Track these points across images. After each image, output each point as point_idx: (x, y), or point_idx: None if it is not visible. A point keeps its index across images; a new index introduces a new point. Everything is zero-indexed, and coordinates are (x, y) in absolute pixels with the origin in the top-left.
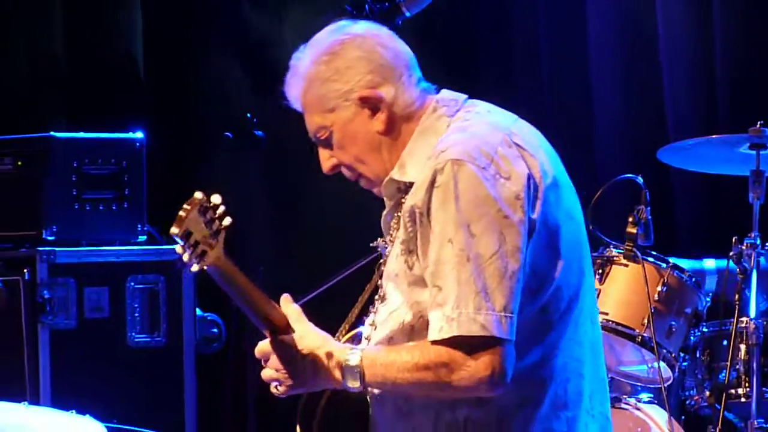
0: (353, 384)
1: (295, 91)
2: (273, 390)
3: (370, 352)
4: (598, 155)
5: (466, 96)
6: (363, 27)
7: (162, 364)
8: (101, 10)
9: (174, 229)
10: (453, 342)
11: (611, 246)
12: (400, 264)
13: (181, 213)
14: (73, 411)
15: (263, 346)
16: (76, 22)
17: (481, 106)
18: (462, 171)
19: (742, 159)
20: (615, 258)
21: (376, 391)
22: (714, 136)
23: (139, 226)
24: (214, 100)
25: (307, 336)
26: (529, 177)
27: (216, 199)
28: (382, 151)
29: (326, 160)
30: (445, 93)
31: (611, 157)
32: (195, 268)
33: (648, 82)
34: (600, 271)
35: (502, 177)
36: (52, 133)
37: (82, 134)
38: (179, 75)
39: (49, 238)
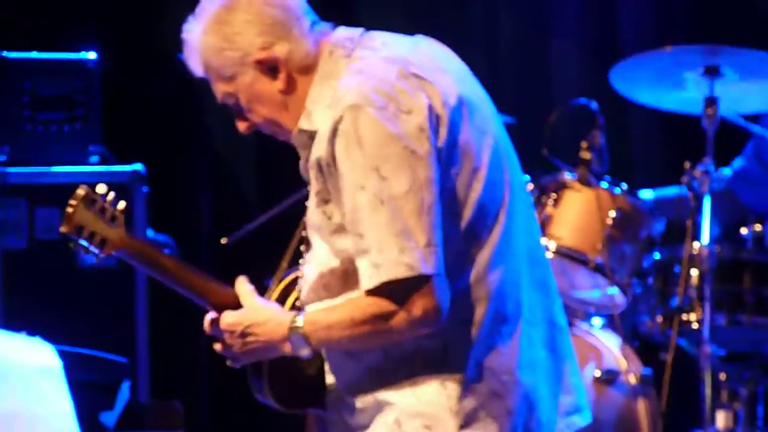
0: (303, 352)
1: (194, 63)
2: (228, 363)
3: (310, 317)
4: (554, 80)
5: (362, 30)
6: None
7: (113, 284)
8: None
9: (63, 228)
10: (383, 289)
11: (565, 171)
12: (319, 215)
13: (68, 210)
14: (24, 332)
15: (206, 322)
16: None
17: (377, 40)
18: (361, 115)
19: (696, 84)
20: (568, 183)
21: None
22: (668, 49)
23: (91, 147)
24: (168, 21)
25: (255, 312)
26: (429, 107)
27: (101, 188)
28: (290, 108)
29: (241, 123)
30: (340, 32)
31: (567, 82)
32: (99, 257)
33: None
34: (554, 196)
35: (403, 112)
36: (3, 53)
37: (34, 54)
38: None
39: (1, 159)
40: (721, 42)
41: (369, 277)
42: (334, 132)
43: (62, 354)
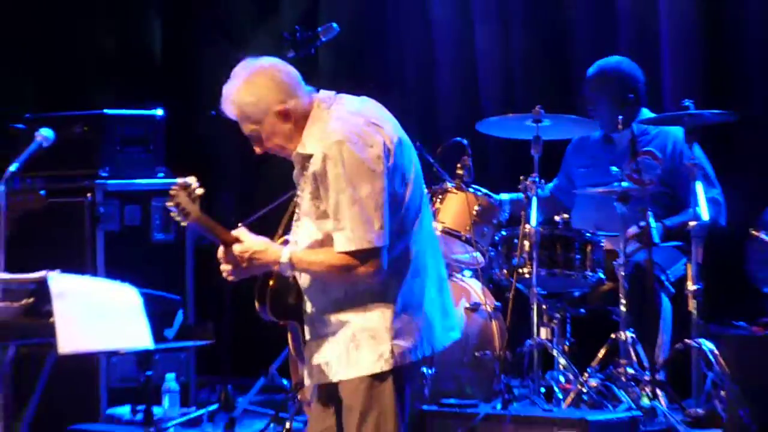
0: (287, 272)
1: (229, 109)
2: (227, 277)
3: (297, 252)
4: (439, 123)
5: (335, 93)
6: (267, 61)
7: (172, 253)
8: (129, 24)
9: (168, 203)
10: (351, 253)
11: (447, 181)
12: (310, 206)
13: (171, 192)
14: (119, 281)
15: (220, 252)
16: (115, 31)
17: (346, 99)
18: (343, 147)
19: (528, 128)
20: (449, 189)
21: (302, 279)
22: (510, 115)
23: (158, 168)
24: (208, 88)
25: (253, 241)
26: (384, 143)
27: (191, 179)
28: (293, 139)
29: (258, 148)
30: (322, 93)
31: (448, 126)
32: (183, 223)
33: (468, 77)
34: (441, 196)
35: (368, 146)
36: (105, 110)
37: (123, 111)
38: (186, 71)
39: (103, 174)
40: (542, 106)
41: (343, 245)
42: (325, 156)
43: (142, 294)
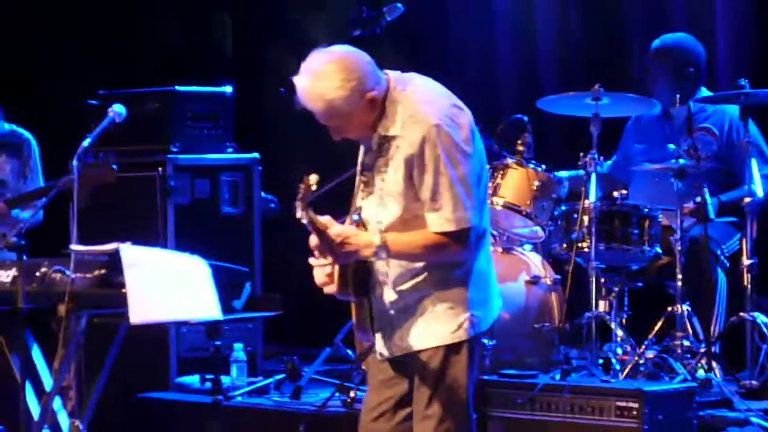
0: (382, 255)
1: (316, 108)
2: (325, 286)
3: (390, 235)
4: (500, 101)
5: (400, 72)
6: (342, 51)
7: (241, 225)
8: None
9: (299, 213)
10: (447, 233)
11: (508, 157)
12: (399, 187)
13: (300, 197)
14: (188, 252)
15: (313, 240)
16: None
17: (418, 80)
18: (441, 130)
19: (587, 106)
20: (510, 164)
21: (393, 260)
22: (570, 93)
23: (227, 143)
24: (277, 67)
25: (341, 228)
26: (470, 123)
27: (314, 177)
28: (375, 124)
29: (336, 135)
30: (393, 74)
31: (508, 103)
32: (304, 221)
33: (528, 55)
34: (502, 171)
35: (459, 128)
36: (175, 87)
37: (193, 88)
38: (256, 53)
39: (174, 149)
40: (602, 84)
41: (442, 225)
42: (423, 139)
43: (211, 266)
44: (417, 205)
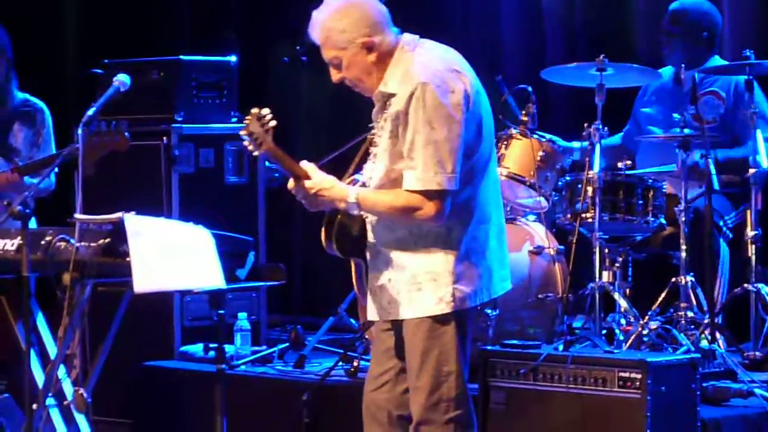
0: (354, 211)
1: (316, 35)
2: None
3: (363, 191)
4: (504, 70)
5: (418, 37)
6: None
7: (245, 195)
8: None
9: (242, 132)
10: (418, 192)
11: (512, 128)
12: (387, 144)
13: (245, 121)
14: (192, 222)
15: (290, 183)
16: None
17: (429, 44)
18: (427, 88)
19: (592, 77)
20: (514, 135)
21: (369, 216)
22: (574, 64)
23: (232, 112)
24: (281, 34)
25: (320, 178)
26: (465, 91)
27: (265, 111)
28: (372, 74)
29: (335, 75)
30: (407, 36)
31: (513, 73)
32: (255, 153)
33: (533, 25)
34: (506, 142)
35: (449, 91)
36: (180, 56)
37: (198, 57)
38: (261, 20)
39: (179, 119)
40: (606, 55)
41: (412, 184)
42: (411, 95)
43: (215, 235)
44: (403, 163)
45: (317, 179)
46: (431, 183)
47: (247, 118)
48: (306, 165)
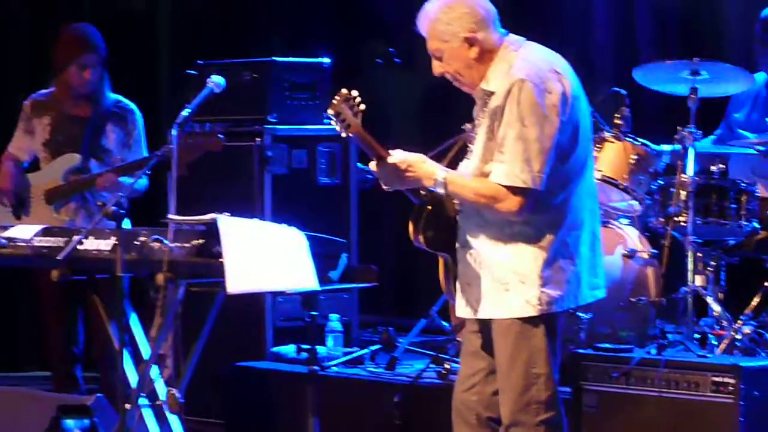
0: (440, 190)
1: (423, 25)
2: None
3: (451, 174)
4: (597, 74)
5: (524, 39)
6: None
7: (337, 196)
8: None
9: (329, 111)
10: (503, 186)
11: (606, 130)
12: (483, 140)
13: (333, 101)
14: (285, 224)
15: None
16: None
17: (534, 46)
18: (524, 85)
19: (685, 80)
20: (607, 138)
21: (464, 212)
22: (667, 61)
23: (324, 114)
24: (374, 35)
25: (409, 155)
26: (563, 93)
27: (355, 93)
28: (473, 70)
29: (437, 68)
30: (512, 36)
31: (605, 75)
32: (343, 134)
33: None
34: (599, 145)
35: (547, 91)
36: (274, 57)
37: (291, 58)
38: (354, 22)
39: (272, 120)
40: (700, 56)
41: (499, 177)
42: (508, 91)
43: (308, 236)
44: (494, 157)
45: (406, 155)
46: (516, 179)
47: (335, 98)
48: (395, 150)
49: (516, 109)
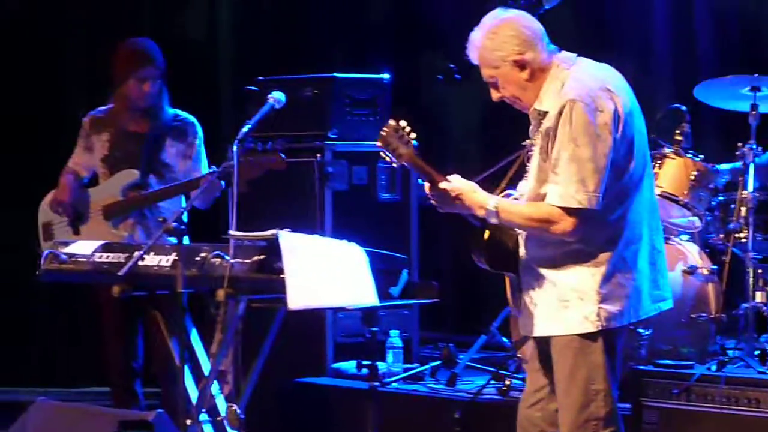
0: (493, 220)
1: (473, 55)
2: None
3: (503, 203)
4: (658, 91)
5: (576, 55)
6: (513, 13)
7: (398, 212)
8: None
9: (378, 143)
10: (559, 208)
11: (665, 147)
12: (537, 160)
13: (382, 132)
14: (346, 240)
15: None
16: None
17: (586, 62)
18: (575, 106)
19: (745, 97)
20: (668, 154)
21: (529, 243)
22: (728, 77)
23: None
24: (434, 51)
25: (462, 182)
26: (615, 111)
27: (403, 123)
28: (528, 91)
29: (495, 94)
30: (563, 54)
31: (666, 93)
32: (394, 164)
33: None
34: (659, 161)
35: (599, 111)
36: (334, 74)
37: (351, 74)
38: (414, 37)
39: (333, 136)
40: (760, 72)
41: (554, 199)
42: (560, 112)
43: (368, 252)
44: (549, 178)
45: (459, 183)
46: (572, 201)
47: (383, 129)
48: (452, 176)
49: (568, 130)
